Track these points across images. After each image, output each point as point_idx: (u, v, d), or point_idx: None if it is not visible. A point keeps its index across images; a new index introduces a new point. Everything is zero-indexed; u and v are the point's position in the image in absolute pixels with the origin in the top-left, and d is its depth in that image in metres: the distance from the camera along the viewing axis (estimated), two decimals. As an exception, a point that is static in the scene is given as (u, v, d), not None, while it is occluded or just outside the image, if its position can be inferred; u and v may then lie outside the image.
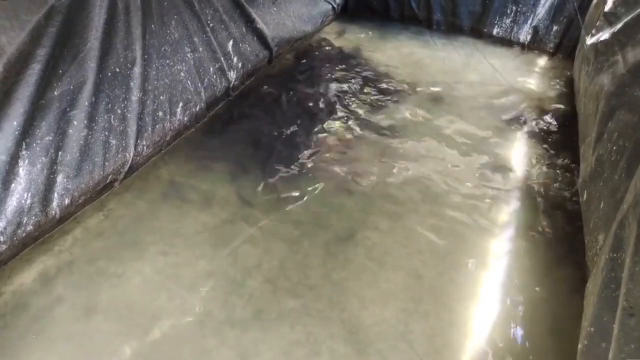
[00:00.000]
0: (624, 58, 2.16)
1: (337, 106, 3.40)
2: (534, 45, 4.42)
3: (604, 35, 2.63)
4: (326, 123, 3.21)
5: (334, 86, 3.65)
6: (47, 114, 1.96)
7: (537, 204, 2.61)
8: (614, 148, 1.99)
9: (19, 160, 1.87)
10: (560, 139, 3.18)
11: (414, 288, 2.12)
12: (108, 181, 2.37)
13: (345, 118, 3.28)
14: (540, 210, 2.57)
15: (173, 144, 2.84)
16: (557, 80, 3.95)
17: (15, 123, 1.81)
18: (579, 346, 1.67)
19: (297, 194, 2.60)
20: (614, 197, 1.88)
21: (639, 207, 1.49)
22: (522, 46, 4.46)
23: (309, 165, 2.81)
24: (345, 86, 3.66)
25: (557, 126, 3.32)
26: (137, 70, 2.38)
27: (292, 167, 2.79)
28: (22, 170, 1.89)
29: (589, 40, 2.91)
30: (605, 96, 2.17)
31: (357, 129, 3.17)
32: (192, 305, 1.99)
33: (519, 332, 1.96)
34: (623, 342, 1.37)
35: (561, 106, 3.57)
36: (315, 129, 3.14)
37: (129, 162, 2.44)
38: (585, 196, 2.23)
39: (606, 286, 1.58)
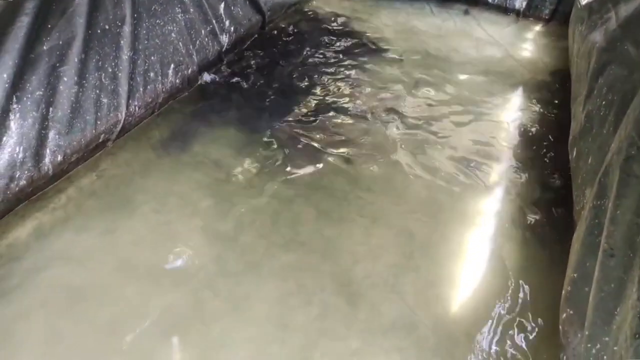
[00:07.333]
0: (616, 14, 2.16)
1: (330, 73, 3.39)
2: (530, 13, 4.39)
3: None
4: (320, 93, 3.20)
5: (326, 52, 3.63)
6: (37, 69, 1.95)
7: (525, 172, 2.64)
8: (603, 103, 2.00)
9: (10, 114, 1.87)
10: (556, 102, 3.19)
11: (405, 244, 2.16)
12: (100, 140, 2.37)
13: (340, 87, 3.27)
14: (530, 179, 2.59)
15: (165, 106, 2.83)
16: (553, 46, 3.94)
17: (5, 75, 1.80)
18: (563, 292, 1.71)
19: (289, 151, 2.62)
20: (601, 150, 1.90)
21: (622, 153, 1.51)
22: (518, 13, 4.42)
23: (302, 126, 2.82)
24: (339, 52, 3.64)
25: (552, 90, 3.33)
26: (127, 28, 2.36)
27: (286, 125, 2.80)
28: (14, 123, 1.89)
29: (584, 0, 2.89)
30: (597, 52, 2.17)
31: (349, 97, 3.17)
32: (185, 260, 2.02)
33: (508, 285, 2.01)
34: (603, 282, 1.41)
35: (556, 70, 3.57)
36: (307, 96, 3.14)
37: (121, 121, 2.43)
38: (574, 153, 2.25)
39: (590, 232, 1.62)
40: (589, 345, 1.40)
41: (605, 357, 1.32)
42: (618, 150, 1.53)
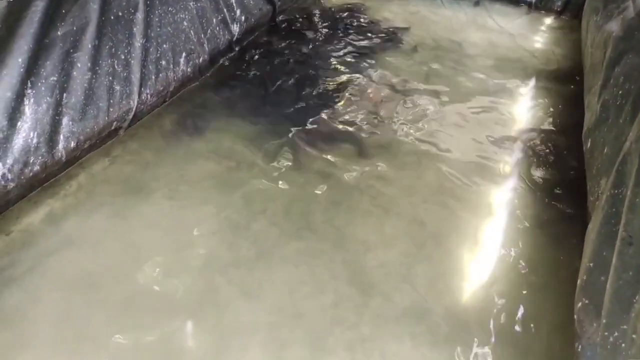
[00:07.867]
0: (634, 3, 2.13)
1: (340, 63, 3.38)
2: (541, 5, 4.35)
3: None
4: (331, 83, 3.19)
5: (337, 42, 3.61)
6: (51, 54, 1.95)
7: (537, 163, 2.62)
8: (620, 92, 1.98)
9: (25, 99, 1.87)
10: (567, 93, 3.16)
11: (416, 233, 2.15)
12: (113, 128, 2.37)
13: (351, 76, 3.26)
14: (541, 170, 2.57)
15: (177, 95, 2.83)
16: (564, 38, 3.90)
17: (20, 60, 1.80)
18: (578, 282, 1.70)
19: (300, 139, 2.61)
20: (618, 140, 1.88)
21: (642, 141, 1.49)
22: (529, 5, 4.39)
23: (313, 114, 2.82)
24: (349, 43, 3.62)
25: (563, 81, 3.30)
26: (139, 15, 2.36)
27: (297, 114, 2.80)
28: (28, 108, 1.89)
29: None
30: (614, 42, 2.15)
31: (359, 87, 3.16)
32: (197, 247, 2.02)
33: (519, 274, 2.00)
34: (621, 270, 1.40)
35: (568, 62, 3.54)
36: (318, 87, 3.13)
37: (134, 109, 2.43)
38: (589, 144, 2.23)
39: (607, 222, 1.60)
40: (606, 333, 1.39)
41: (623, 345, 1.31)
42: (637, 138, 1.52)
